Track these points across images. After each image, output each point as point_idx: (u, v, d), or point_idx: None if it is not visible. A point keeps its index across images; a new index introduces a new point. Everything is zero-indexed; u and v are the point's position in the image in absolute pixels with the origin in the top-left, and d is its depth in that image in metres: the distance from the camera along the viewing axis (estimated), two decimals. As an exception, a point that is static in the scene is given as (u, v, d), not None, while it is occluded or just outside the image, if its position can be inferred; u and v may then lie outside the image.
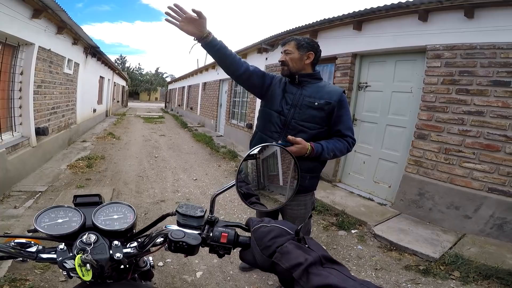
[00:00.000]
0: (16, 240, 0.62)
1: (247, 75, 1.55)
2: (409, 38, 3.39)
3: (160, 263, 2.25)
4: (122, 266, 0.66)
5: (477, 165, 2.82)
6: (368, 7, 3.68)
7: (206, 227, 0.65)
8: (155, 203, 3.49)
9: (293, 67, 1.56)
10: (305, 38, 1.58)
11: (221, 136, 9.38)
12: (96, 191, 3.71)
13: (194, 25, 1.25)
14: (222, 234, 0.62)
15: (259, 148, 0.80)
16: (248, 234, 0.63)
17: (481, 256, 2.39)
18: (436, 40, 3.13)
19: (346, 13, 4.00)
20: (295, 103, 1.54)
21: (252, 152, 0.78)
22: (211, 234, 0.63)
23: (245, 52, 7.47)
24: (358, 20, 3.90)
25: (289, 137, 1.43)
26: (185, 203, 0.70)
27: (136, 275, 0.79)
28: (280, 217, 1.78)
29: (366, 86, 4.08)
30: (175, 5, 1.20)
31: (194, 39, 1.30)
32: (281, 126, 1.55)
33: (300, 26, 4.83)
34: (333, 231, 3.01)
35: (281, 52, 1.60)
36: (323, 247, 0.55)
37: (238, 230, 0.66)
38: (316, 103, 1.50)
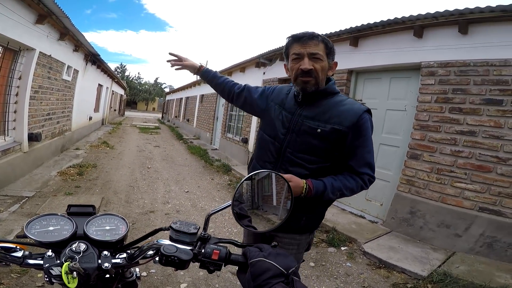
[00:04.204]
0: (0, 245, 0.63)
1: (241, 101, 1.40)
2: (404, 55, 3.43)
3: (144, 273, 2.20)
4: (107, 276, 0.67)
5: (468, 185, 2.84)
6: (365, 23, 3.73)
7: (198, 244, 0.68)
8: (144, 214, 3.43)
9: (322, 80, 1.11)
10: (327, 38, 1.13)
11: (216, 149, 9.38)
12: (84, 199, 3.63)
13: (189, 67, 1.46)
14: (214, 251, 0.65)
15: (257, 173, 0.86)
16: (240, 250, 0.66)
17: (469, 274, 2.37)
18: (431, 57, 3.16)
19: (343, 28, 4.05)
20: (292, 127, 1.15)
21: (247, 176, 0.84)
22: (202, 251, 0.66)
23: (243, 66, 7.60)
24: (355, 36, 3.95)
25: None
26: (179, 220, 0.73)
27: (120, 285, 0.79)
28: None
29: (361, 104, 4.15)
30: (170, 53, 1.48)
31: (193, 74, 1.50)
32: (275, 156, 1.20)
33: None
34: (322, 248, 2.97)
35: (296, 55, 1.10)
36: None
37: (230, 247, 0.69)
38: (319, 130, 1.09)
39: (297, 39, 1.10)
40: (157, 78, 53.06)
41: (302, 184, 1.05)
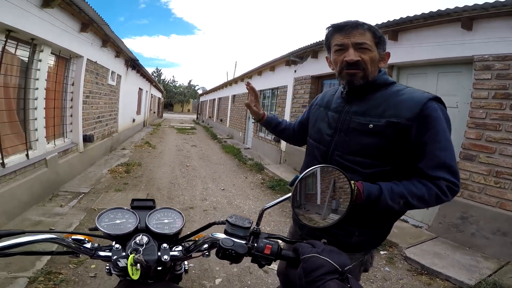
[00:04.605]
0: (72, 237, 0.68)
1: (302, 136, 1.33)
2: (452, 48, 3.18)
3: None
4: (160, 268, 0.69)
5: (532, 191, 2.52)
6: (405, 16, 3.52)
7: (251, 238, 0.69)
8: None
9: (372, 72, 0.96)
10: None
11: (248, 148, 9.49)
12: (132, 195, 3.89)
13: (255, 111, 1.34)
14: (267, 246, 0.66)
15: (314, 169, 0.79)
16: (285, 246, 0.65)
17: (525, 287, 2.14)
18: (484, 50, 2.89)
19: (379, 22, 3.85)
20: (340, 126, 1.01)
21: (306, 174, 0.78)
22: (255, 245, 0.67)
23: (272, 64, 7.57)
24: (393, 30, 3.76)
25: None
26: (235, 214, 0.75)
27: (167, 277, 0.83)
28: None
29: (405, 101, 3.92)
30: (247, 82, 1.37)
31: (253, 119, 1.42)
32: (321, 161, 1.05)
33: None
34: (362, 252, 2.87)
35: (339, 46, 0.96)
36: None
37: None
38: (371, 125, 0.92)
39: (338, 29, 0.97)
40: (190, 81, 55.35)
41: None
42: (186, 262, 0.84)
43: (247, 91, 1.33)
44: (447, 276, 2.36)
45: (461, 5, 2.96)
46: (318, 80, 5.76)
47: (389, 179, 0.93)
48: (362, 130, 0.95)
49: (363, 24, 0.94)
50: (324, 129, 1.07)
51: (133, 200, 0.84)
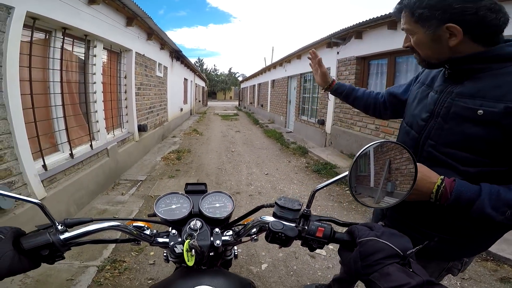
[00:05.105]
0: (133, 224, 0.69)
1: (390, 111, 1.18)
2: None
3: (230, 253, 2.38)
4: (212, 254, 0.69)
5: None
6: None
7: (301, 221, 0.65)
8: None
9: (427, 55, 0.81)
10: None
11: (290, 132, 9.36)
12: (184, 181, 4.07)
13: (321, 76, 1.33)
14: (319, 228, 0.61)
15: (379, 144, 0.66)
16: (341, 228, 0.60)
17: None
18: None
19: None
20: (437, 110, 0.82)
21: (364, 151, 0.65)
22: (306, 228, 0.62)
23: (313, 47, 7.25)
24: None
25: None
26: (284, 196, 0.71)
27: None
28: None
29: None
30: (311, 51, 1.37)
31: (322, 89, 1.38)
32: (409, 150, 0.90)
33: (385, 14, 4.24)
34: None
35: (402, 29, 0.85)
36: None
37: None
38: (480, 111, 0.71)
39: (397, 17, 0.87)
40: (230, 68, 56.45)
41: (436, 179, 0.73)
42: (236, 247, 0.83)
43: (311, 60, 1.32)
44: (516, 262, 2.19)
45: None
46: (364, 61, 5.38)
47: (505, 183, 0.72)
48: (466, 117, 0.74)
49: (401, 5, 0.81)
50: (419, 111, 0.89)
51: (187, 184, 0.85)
